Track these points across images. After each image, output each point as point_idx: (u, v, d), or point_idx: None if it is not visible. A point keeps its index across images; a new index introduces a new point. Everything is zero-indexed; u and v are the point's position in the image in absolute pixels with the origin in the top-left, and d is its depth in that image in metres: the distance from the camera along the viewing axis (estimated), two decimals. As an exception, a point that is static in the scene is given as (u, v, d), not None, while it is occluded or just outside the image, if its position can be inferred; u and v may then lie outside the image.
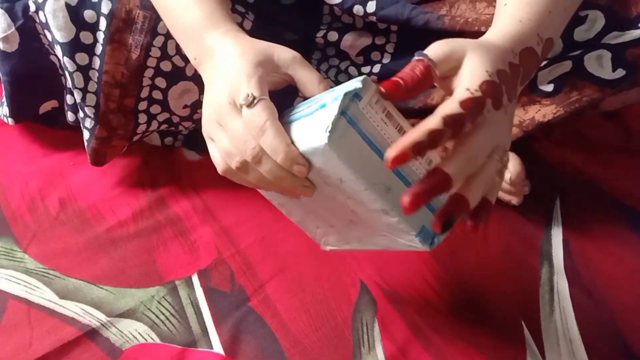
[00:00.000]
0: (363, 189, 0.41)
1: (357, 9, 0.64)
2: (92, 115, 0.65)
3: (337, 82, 0.69)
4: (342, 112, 0.39)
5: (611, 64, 0.60)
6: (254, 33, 0.55)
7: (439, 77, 0.42)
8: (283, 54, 0.47)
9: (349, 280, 0.65)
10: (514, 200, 0.69)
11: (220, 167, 0.47)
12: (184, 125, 0.71)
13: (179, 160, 0.76)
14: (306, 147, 0.41)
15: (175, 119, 0.69)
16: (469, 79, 0.40)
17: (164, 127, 0.71)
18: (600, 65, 0.61)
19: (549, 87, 0.63)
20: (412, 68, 0.41)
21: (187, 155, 0.77)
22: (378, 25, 0.67)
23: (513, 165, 0.66)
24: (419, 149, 0.37)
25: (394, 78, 0.40)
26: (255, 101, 0.43)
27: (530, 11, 0.46)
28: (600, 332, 0.62)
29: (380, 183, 0.40)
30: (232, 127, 0.44)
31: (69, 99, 0.69)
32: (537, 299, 0.64)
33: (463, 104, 0.39)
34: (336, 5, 0.64)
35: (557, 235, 0.69)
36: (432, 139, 0.38)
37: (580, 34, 0.61)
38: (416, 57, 0.41)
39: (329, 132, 0.38)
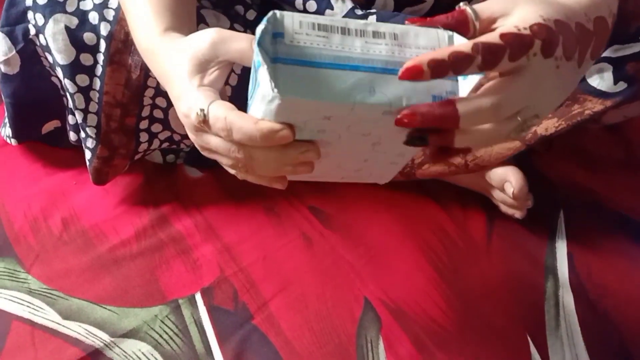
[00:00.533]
0: (350, 109, 0.37)
1: (357, 25, 0.63)
2: (94, 135, 0.65)
3: None
4: (274, 59, 0.35)
5: (612, 77, 0.60)
6: None
7: (482, 30, 0.38)
8: (201, 47, 0.42)
9: (353, 297, 0.64)
10: (518, 214, 0.69)
11: (239, 177, 0.45)
12: (186, 143, 0.71)
13: (180, 177, 0.76)
14: (272, 114, 0.37)
15: (177, 137, 0.69)
16: (519, 19, 0.36)
17: (165, 145, 0.71)
18: (601, 78, 0.60)
19: (551, 100, 0.63)
20: (448, 13, 0.38)
21: (189, 172, 0.77)
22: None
23: (515, 180, 0.65)
24: (436, 66, 0.34)
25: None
26: (206, 112, 0.40)
27: None
28: (606, 346, 0.61)
29: (359, 92, 0.36)
30: (214, 145, 0.43)
31: (70, 119, 0.69)
32: (543, 313, 0.64)
33: (504, 36, 0.35)
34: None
35: (561, 249, 0.69)
36: (455, 61, 0.34)
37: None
38: (457, 6, 0.38)
39: (275, 86, 0.35)
